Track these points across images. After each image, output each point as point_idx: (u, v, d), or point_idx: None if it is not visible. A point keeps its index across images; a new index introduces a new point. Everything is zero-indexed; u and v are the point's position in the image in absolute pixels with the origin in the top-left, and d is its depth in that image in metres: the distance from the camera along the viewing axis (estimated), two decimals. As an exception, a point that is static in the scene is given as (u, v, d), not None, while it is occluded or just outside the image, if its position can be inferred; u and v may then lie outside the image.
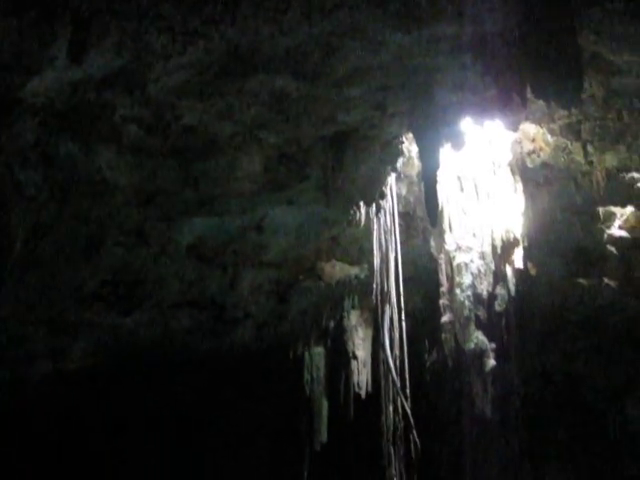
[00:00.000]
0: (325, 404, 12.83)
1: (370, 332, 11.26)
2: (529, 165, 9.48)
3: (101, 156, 7.31)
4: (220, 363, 14.28)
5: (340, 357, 11.89)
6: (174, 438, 15.74)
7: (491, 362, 9.54)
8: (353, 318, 11.51)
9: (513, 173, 9.51)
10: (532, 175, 9.61)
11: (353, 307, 11.43)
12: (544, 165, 9.47)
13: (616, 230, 10.96)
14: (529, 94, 6.21)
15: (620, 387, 14.50)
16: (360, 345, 11.55)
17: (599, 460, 15.40)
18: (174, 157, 7.64)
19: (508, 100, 6.39)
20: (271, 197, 8.76)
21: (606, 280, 11.65)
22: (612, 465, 15.11)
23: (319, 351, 12.36)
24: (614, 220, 10.87)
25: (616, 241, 11.06)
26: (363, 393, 11.46)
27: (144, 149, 7.38)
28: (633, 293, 11.90)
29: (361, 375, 11.59)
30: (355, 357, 11.58)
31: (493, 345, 9.58)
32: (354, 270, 10.78)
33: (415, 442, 8.27)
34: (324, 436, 13.15)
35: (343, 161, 7.95)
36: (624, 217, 10.79)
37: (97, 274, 9.68)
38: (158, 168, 7.74)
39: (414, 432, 8.24)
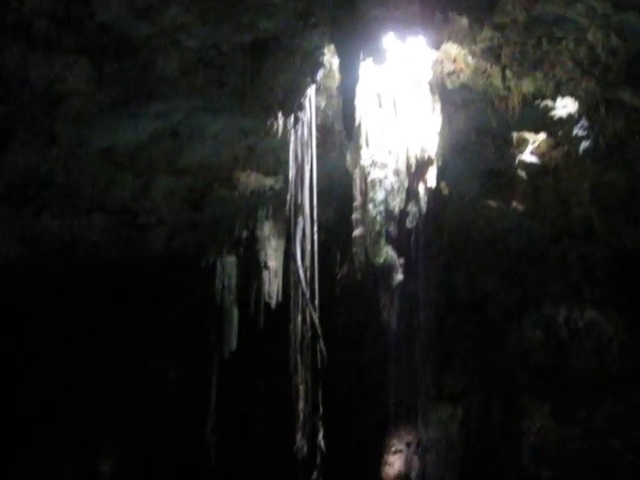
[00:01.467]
0: (235, 313, 12.98)
1: (282, 243, 11.36)
2: (448, 86, 9.50)
3: (8, 51, 6.92)
4: (131, 270, 14.17)
5: (252, 267, 11.98)
6: (82, 343, 15.65)
7: (399, 277, 9.76)
8: (266, 229, 11.56)
9: (432, 93, 9.51)
10: (451, 96, 9.65)
11: (267, 218, 11.47)
12: (463, 87, 9.50)
13: (527, 156, 11.24)
14: (450, 11, 6.20)
15: (519, 305, 15.25)
16: (272, 256, 11.66)
17: (495, 371, 16.34)
18: (87, 56, 7.32)
19: (430, 16, 6.36)
20: (188, 102, 8.58)
21: (514, 203, 12.03)
22: (505, 375, 16.08)
23: (231, 260, 12.42)
24: (526, 146, 11.14)
25: (527, 166, 11.37)
26: (273, 303, 11.64)
27: (55, 46, 7.02)
28: (537, 217, 12.36)
29: (272, 285, 11.74)
30: (267, 267, 11.69)
31: (402, 260, 9.79)
32: (269, 181, 10.76)
33: (322, 352, 8.47)
34: (233, 345, 13.34)
35: (262, 70, 7.79)
36: (536, 143, 11.06)
37: (3, 175, 9.38)
38: (70, 67, 7.41)
39: (321, 342, 8.44)
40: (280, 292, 11.59)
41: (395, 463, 19.20)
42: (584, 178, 11.17)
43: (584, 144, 10.10)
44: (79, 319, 15.46)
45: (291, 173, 8.96)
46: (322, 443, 8.59)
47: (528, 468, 15.58)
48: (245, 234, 12.06)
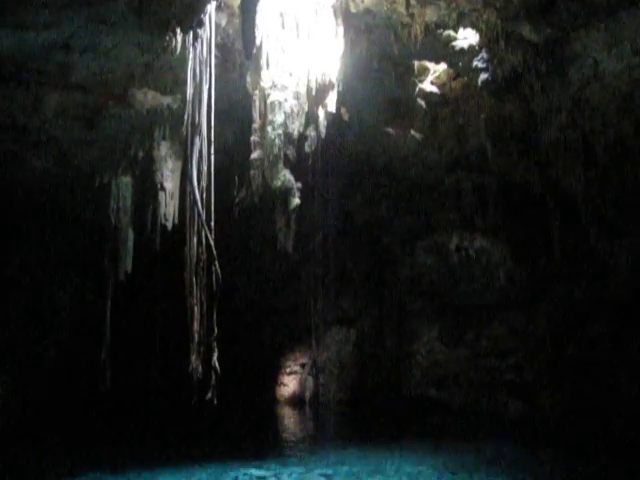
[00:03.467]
0: (131, 235, 12.71)
1: (179, 164, 11.12)
2: (352, 9, 9.41)
3: None
4: (19, 191, 13.60)
5: (148, 188, 11.71)
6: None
7: (296, 201, 9.79)
8: (163, 149, 11.27)
9: (336, 16, 9.40)
10: (354, 21, 9.57)
11: (164, 138, 11.16)
12: (367, 11, 9.43)
13: (428, 85, 11.34)
14: None
15: (413, 232, 15.65)
16: (169, 177, 11.41)
17: (388, 295, 16.86)
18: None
19: None
20: (80, 12, 8.07)
21: (412, 132, 12.18)
22: (398, 299, 16.63)
23: (127, 181, 12.08)
24: (427, 75, 11.22)
25: (426, 95, 11.48)
26: (169, 225, 11.45)
27: None
28: (434, 147, 12.59)
29: (168, 207, 11.53)
30: (163, 188, 11.45)
31: (299, 184, 9.81)
32: (167, 100, 10.44)
33: (217, 274, 8.44)
34: (129, 266, 13.11)
35: (160, -19, 7.45)
36: (437, 73, 11.16)
37: None
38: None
39: (216, 264, 8.39)
40: (176, 214, 11.41)
41: (290, 384, 19.71)
42: (481, 110, 11.41)
43: (483, 76, 10.26)
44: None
45: (189, 92, 8.68)
46: (217, 364, 8.64)
47: (417, 388, 16.34)
48: (141, 154, 11.71)
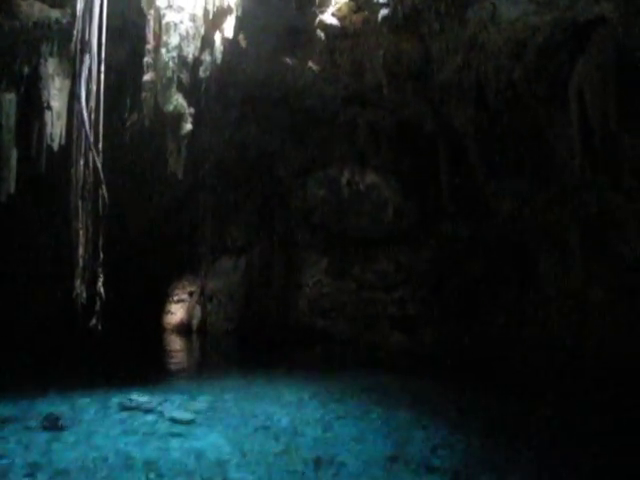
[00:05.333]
0: (14, 154, 12.10)
1: (67, 83, 10.59)
2: None
3: None
4: None
5: (33, 106, 11.13)
6: None
7: (188, 126, 9.59)
8: (50, 66, 10.66)
9: None
10: (258, -59, 9.29)
11: (51, 54, 10.56)
12: None
13: (328, 17, 11.19)
14: None
15: (305, 165, 15.71)
16: (56, 96, 10.85)
17: (278, 226, 17.00)
18: None
19: None
20: None
21: (310, 63, 12.06)
22: (288, 231, 16.80)
23: (10, 97, 11.40)
24: (328, 6, 11.06)
25: (326, 27, 11.34)
26: (56, 145, 10.97)
27: None
28: (332, 80, 12.54)
29: (55, 127, 11.01)
30: (50, 108, 10.89)
31: (192, 110, 9.60)
32: (55, 13, 9.86)
33: (104, 198, 8.21)
34: (12, 187, 12.52)
35: None
36: (338, 5, 11.02)
37: None
38: None
39: (104, 187, 8.16)
40: (63, 135, 10.93)
41: (177, 312, 19.68)
42: (380, 46, 11.39)
43: (384, 11, 10.21)
44: None
45: (79, 7, 8.25)
46: (102, 290, 8.49)
47: (304, 319, 16.69)
48: (27, 70, 11.07)
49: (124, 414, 7.37)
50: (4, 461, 5.43)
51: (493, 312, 13.51)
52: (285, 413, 7.51)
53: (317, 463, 5.45)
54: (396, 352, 14.22)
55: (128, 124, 10.52)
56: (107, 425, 6.84)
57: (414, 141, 13.72)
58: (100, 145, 8.05)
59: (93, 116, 8.11)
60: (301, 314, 16.75)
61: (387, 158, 14.44)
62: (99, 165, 8.00)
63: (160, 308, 19.42)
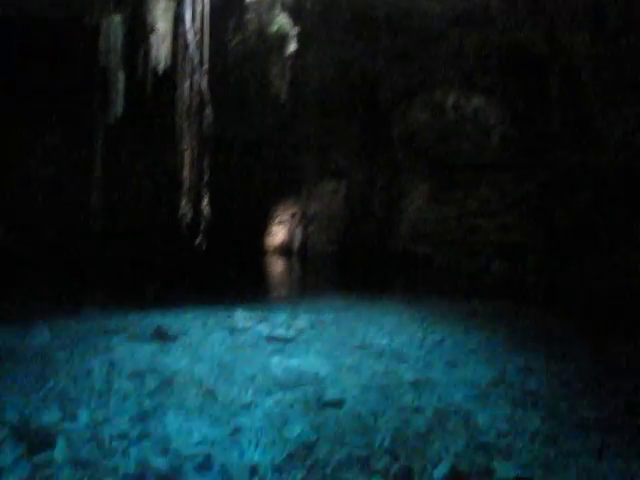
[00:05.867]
0: (122, 77, 12.37)
1: (172, 4, 10.63)
2: None
3: None
4: (10, 31, 13.16)
5: (139, 29, 11.27)
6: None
7: (292, 47, 9.50)
8: (156, -13, 10.74)
9: None
10: None
11: (157, -27, 10.62)
12: None
13: None
14: None
15: (410, 87, 15.33)
16: (161, 17, 10.93)
17: (380, 150, 16.77)
18: None
19: None
20: None
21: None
22: (390, 155, 16.56)
23: (117, 20, 11.59)
24: None
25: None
26: (161, 68, 11.11)
27: None
28: (439, -2, 12.10)
29: (160, 49, 11.13)
30: (155, 30, 11.01)
31: (296, 31, 9.48)
32: None
33: (209, 119, 8.32)
34: (119, 110, 12.85)
35: None
36: None
37: None
38: None
39: (209, 109, 8.26)
40: (168, 56, 11.04)
41: (279, 233, 19.94)
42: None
43: None
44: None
45: None
46: (207, 210, 8.70)
47: (405, 244, 16.60)
48: (133, -7, 11.22)
49: (227, 330, 7.59)
50: (113, 368, 5.71)
51: (601, 242, 13.00)
52: (384, 335, 7.55)
53: (414, 385, 5.47)
54: (497, 280, 13.98)
55: (232, 45, 10.49)
56: (210, 340, 7.07)
57: (524, 64, 13.14)
58: (205, 67, 8.09)
59: (198, 38, 8.13)
60: (401, 239, 16.66)
61: (495, 81, 13.91)
62: (204, 86, 8.05)
63: (262, 229, 19.73)
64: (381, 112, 16.40)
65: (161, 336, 7.02)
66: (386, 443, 4.17)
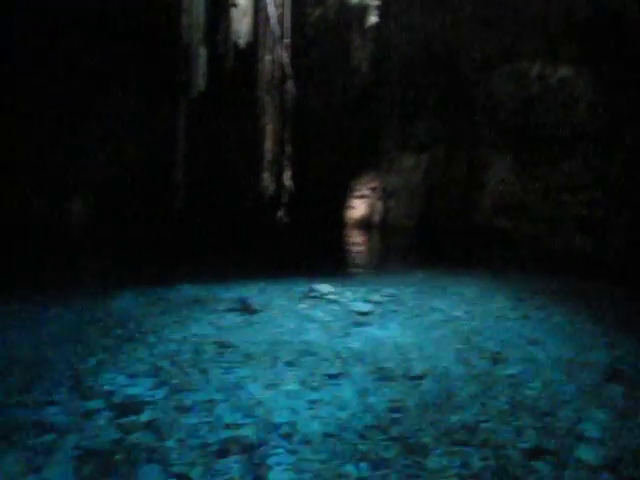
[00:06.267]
0: (203, 52, 12.54)
1: (254, -22, 10.69)
2: None
3: None
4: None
5: (221, 3, 11.39)
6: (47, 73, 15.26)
7: (373, 19, 9.43)
8: (237, -38, 10.80)
9: None
10: None
11: (238, -51, 10.67)
12: None
13: None
14: None
15: (493, 58, 14.97)
16: (243, -9, 11.02)
17: (462, 123, 16.47)
18: None
19: None
20: None
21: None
22: (472, 128, 16.24)
23: (199, -5, 11.73)
24: None
25: None
26: (242, 42, 11.21)
27: None
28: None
29: (242, 24, 11.23)
30: (236, 4, 11.10)
31: (377, 2, 9.39)
32: None
33: (291, 92, 8.37)
34: (202, 85, 13.05)
35: None
36: None
37: None
38: None
39: (291, 82, 8.30)
40: (250, 31, 11.13)
41: (359, 207, 19.93)
42: None
43: None
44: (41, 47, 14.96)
45: None
46: (289, 183, 8.78)
47: (486, 218, 16.32)
48: (215, -33, 11.31)
49: (308, 303, 7.68)
50: (195, 339, 5.87)
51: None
52: (464, 309, 7.50)
53: (494, 360, 5.43)
54: (580, 256, 13.62)
55: (313, 18, 10.47)
56: (292, 312, 7.17)
57: (613, 33, 12.62)
58: (286, 40, 8.12)
59: (279, 11, 8.16)
60: (483, 213, 16.39)
61: (582, 50, 13.42)
62: (285, 60, 8.09)
63: (342, 203, 19.75)
64: (463, 83, 16.08)
65: (245, 308, 7.16)
66: (469, 418, 4.17)
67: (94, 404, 4.20)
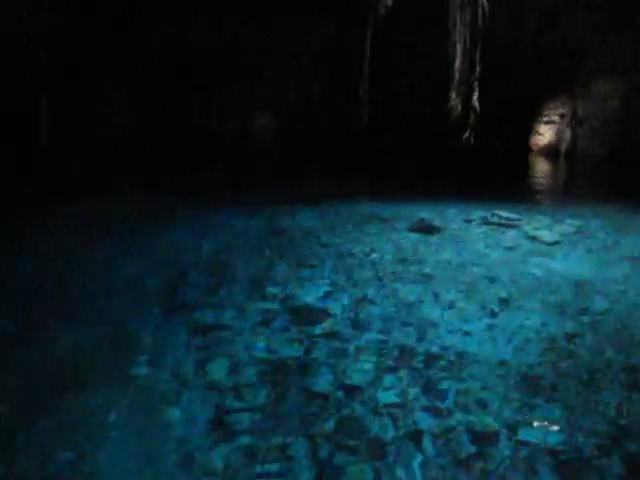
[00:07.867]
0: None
1: None
2: None
3: None
4: None
5: None
6: None
7: None
8: None
9: None
10: None
11: None
12: None
13: None
14: None
15: None
16: None
17: None
18: None
19: None
20: None
21: None
22: None
23: None
24: None
25: None
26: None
27: None
28: None
29: None
30: None
31: None
32: None
33: (484, 9, 8.03)
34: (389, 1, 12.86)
35: None
36: None
37: None
38: None
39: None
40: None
41: (546, 133, 18.93)
42: None
43: None
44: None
45: None
46: (477, 104, 8.54)
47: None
48: None
49: (488, 228, 7.58)
50: (375, 255, 6.02)
51: None
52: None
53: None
54: None
55: None
56: (471, 236, 7.12)
57: None
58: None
59: None
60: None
61: None
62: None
63: (529, 128, 18.89)
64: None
65: (425, 228, 7.21)
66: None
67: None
